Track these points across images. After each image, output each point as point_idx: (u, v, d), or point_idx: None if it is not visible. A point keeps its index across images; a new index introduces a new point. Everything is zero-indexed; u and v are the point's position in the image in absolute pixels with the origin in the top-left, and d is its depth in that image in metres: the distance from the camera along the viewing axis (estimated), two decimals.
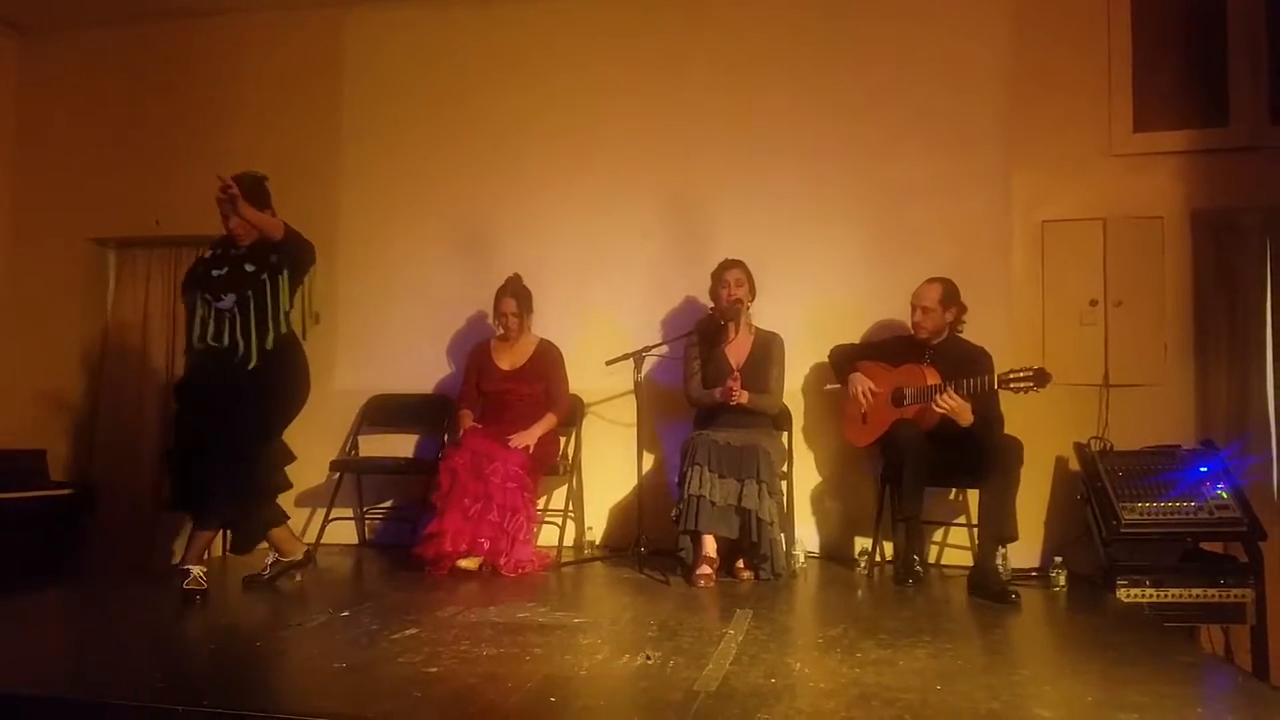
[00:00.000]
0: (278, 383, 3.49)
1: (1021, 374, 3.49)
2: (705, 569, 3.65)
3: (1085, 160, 4.35)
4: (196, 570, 3.35)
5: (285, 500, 3.74)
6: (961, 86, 4.46)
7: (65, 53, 5.37)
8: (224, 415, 3.37)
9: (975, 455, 3.65)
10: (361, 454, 4.76)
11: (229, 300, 3.41)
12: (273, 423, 3.54)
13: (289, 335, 3.53)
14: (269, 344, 3.42)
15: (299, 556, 3.70)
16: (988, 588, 3.48)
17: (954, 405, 3.63)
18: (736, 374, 3.97)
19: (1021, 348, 4.27)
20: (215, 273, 3.48)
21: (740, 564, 3.81)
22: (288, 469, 3.66)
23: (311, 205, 4.97)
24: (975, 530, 4.04)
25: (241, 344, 3.38)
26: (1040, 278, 4.38)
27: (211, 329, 3.42)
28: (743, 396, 3.93)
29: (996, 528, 3.60)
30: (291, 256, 3.49)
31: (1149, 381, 4.22)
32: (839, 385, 4.13)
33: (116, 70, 5.25)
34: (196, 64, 5.18)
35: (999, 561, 3.81)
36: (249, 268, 3.45)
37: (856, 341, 4.34)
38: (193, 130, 5.16)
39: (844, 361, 4.14)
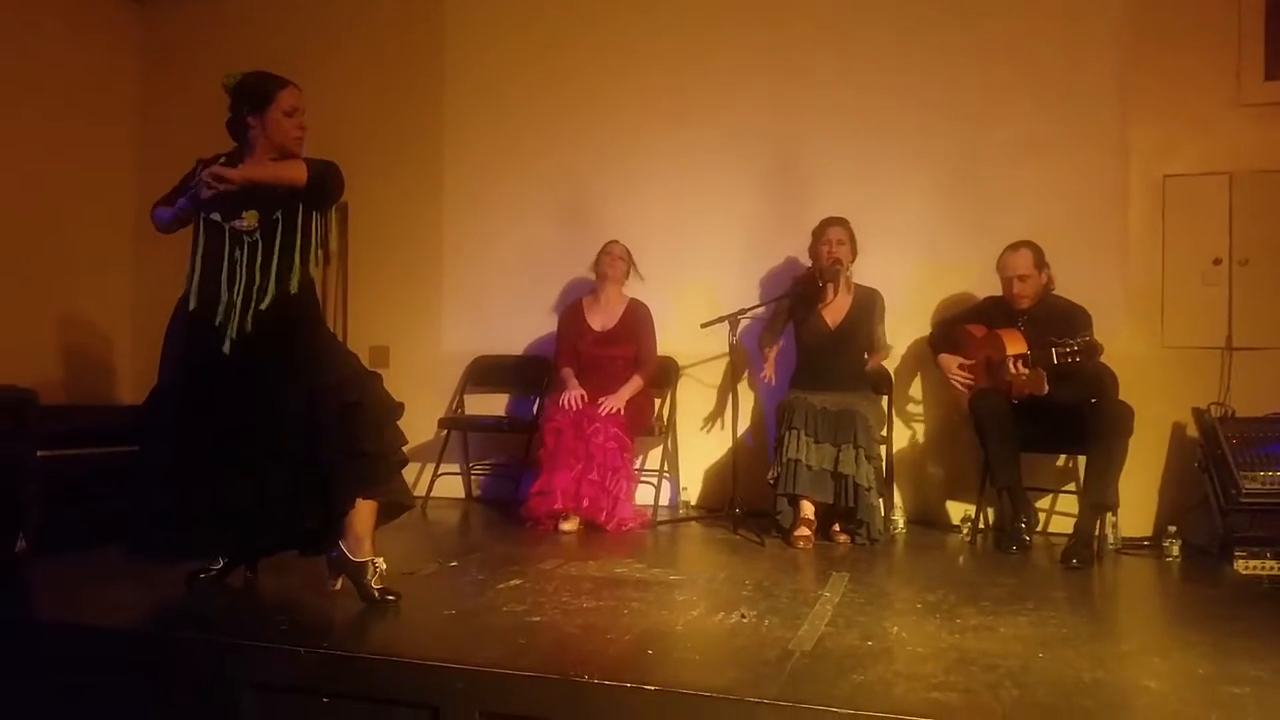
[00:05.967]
0: (313, 329, 2.69)
1: (1066, 344, 3.42)
2: (804, 530, 3.67)
3: (1211, 111, 4.09)
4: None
5: None
6: (1075, 37, 4.24)
7: (181, 20, 5.54)
8: (283, 369, 2.53)
9: (1083, 420, 3.54)
10: (467, 412, 4.93)
11: (247, 220, 2.54)
12: (346, 355, 2.71)
13: (310, 284, 2.67)
14: (293, 286, 2.58)
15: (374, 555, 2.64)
16: (1070, 549, 3.42)
17: (1022, 378, 3.54)
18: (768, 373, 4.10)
19: (1138, 309, 4.10)
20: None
21: (836, 528, 3.80)
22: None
23: (416, 174, 5.16)
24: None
25: (260, 279, 2.53)
26: (1160, 235, 4.15)
27: (226, 264, 2.53)
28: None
29: (1096, 495, 3.53)
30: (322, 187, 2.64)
31: (1277, 344, 3.99)
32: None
33: (230, 35, 5.33)
34: (302, 26, 5.31)
35: (1108, 530, 3.72)
36: None
37: (957, 305, 4.22)
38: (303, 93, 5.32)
39: (938, 340, 4.09)
